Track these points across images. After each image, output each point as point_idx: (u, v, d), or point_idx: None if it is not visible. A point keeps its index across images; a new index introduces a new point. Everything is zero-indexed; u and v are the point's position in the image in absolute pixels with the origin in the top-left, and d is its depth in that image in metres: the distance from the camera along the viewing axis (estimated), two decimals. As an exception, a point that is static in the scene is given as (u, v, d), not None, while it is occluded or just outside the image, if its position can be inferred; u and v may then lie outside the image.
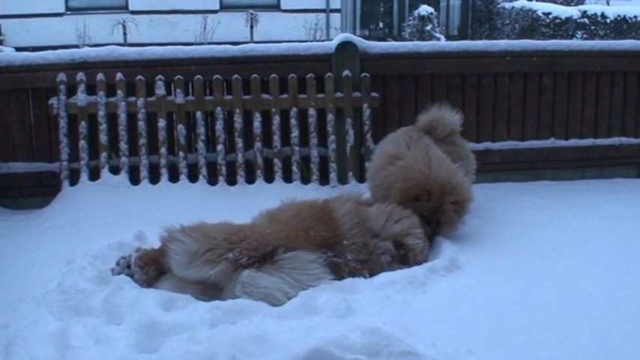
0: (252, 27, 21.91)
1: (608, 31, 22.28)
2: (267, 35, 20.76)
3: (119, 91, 6.69)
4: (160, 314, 3.57)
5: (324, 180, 6.90)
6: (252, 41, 19.85)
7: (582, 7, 23.44)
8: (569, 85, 7.55)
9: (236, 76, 6.82)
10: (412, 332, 3.38)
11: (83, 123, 6.64)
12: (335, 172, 6.89)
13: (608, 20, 22.48)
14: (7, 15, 20.32)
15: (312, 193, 6.20)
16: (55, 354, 3.27)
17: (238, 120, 6.80)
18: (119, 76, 6.69)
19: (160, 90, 6.74)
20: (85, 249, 4.69)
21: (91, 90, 6.69)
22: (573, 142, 7.61)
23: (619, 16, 22.68)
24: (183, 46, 7.19)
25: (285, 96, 6.89)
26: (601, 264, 4.44)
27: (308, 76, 6.92)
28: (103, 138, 6.64)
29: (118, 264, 4.27)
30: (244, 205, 5.64)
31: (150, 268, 4.15)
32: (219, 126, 6.79)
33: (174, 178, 6.66)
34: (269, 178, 6.78)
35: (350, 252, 4.32)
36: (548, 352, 3.25)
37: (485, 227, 5.41)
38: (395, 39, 21.33)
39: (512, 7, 22.94)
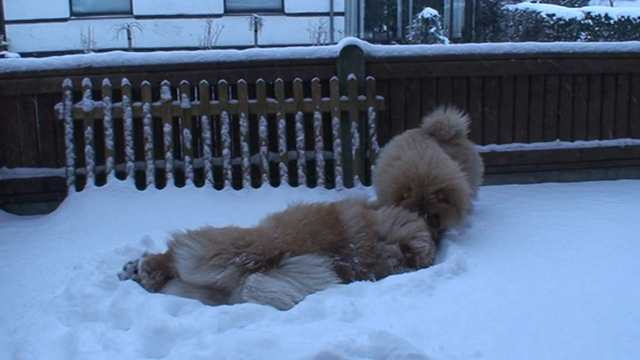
0: (256, 31, 21.94)
1: (612, 32, 22.23)
2: (271, 39, 20.79)
3: (125, 96, 6.71)
4: (168, 319, 3.58)
5: (329, 183, 6.91)
6: (256, 45, 19.90)
7: (586, 9, 23.40)
8: (573, 86, 7.55)
9: (241, 80, 6.83)
10: (419, 335, 3.38)
11: (89, 128, 6.66)
12: (341, 176, 6.90)
13: (612, 21, 22.44)
14: (12, 20, 20.37)
15: (318, 196, 6.21)
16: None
17: (244, 124, 6.81)
18: (125, 81, 6.71)
19: (166, 95, 6.75)
20: (92, 254, 4.71)
21: (96, 95, 6.71)
22: (579, 143, 7.60)
23: (623, 17, 22.63)
24: (187, 50, 7.21)
25: (290, 100, 6.90)
26: (607, 265, 4.43)
27: (313, 79, 6.93)
28: (109, 143, 6.66)
29: (125, 269, 4.28)
30: (250, 209, 5.66)
31: (157, 273, 4.16)
32: (224, 130, 6.80)
33: (180, 182, 6.68)
34: (275, 182, 6.79)
35: (357, 256, 4.32)
36: (555, 354, 3.24)
37: (491, 229, 5.40)
38: (399, 42, 21.34)
39: (516, 9, 22.93)
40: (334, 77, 6.97)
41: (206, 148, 6.77)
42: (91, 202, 6.33)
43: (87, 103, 6.66)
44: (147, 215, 5.98)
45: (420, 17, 20.56)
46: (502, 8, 23.86)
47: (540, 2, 24.04)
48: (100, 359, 3.23)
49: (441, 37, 20.04)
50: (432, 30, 20.02)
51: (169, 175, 6.67)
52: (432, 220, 4.97)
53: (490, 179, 6.53)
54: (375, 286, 4.13)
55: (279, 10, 22.93)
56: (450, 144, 5.69)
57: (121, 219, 5.92)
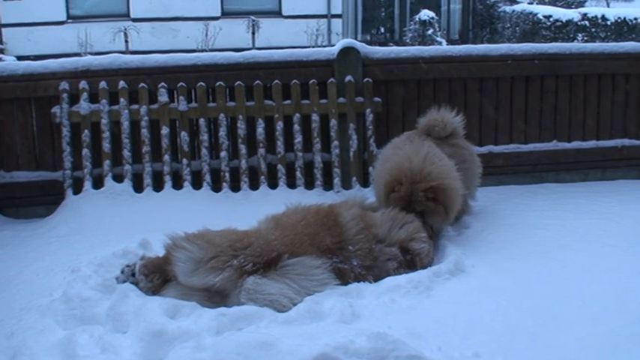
0: (253, 33, 21.94)
1: (608, 34, 22.30)
2: (268, 41, 20.80)
3: (122, 99, 6.70)
4: (166, 322, 3.57)
5: (327, 185, 6.91)
6: (253, 47, 19.89)
7: (583, 10, 23.47)
8: (570, 87, 7.56)
9: (239, 82, 6.84)
10: (418, 336, 3.38)
11: (86, 131, 6.65)
12: (339, 178, 6.90)
13: (608, 22, 22.50)
14: (9, 24, 20.38)
15: (316, 198, 6.20)
16: (62, 363, 3.27)
17: (241, 126, 6.81)
18: (122, 83, 6.71)
19: (163, 97, 6.75)
20: (89, 257, 4.70)
21: (93, 98, 6.70)
22: (576, 144, 7.61)
23: (619, 18, 22.70)
24: (185, 53, 7.21)
25: (288, 102, 6.91)
26: (605, 266, 4.44)
27: (311, 81, 6.93)
28: (106, 146, 6.65)
29: (122, 272, 4.27)
30: (248, 211, 5.64)
31: (155, 276, 4.15)
32: (222, 132, 6.80)
33: (177, 185, 6.68)
34: (273, 184, 6.79)
35: (355, 258, 4.32)
36: (553, 354, 3.25)
37: (489, 230, 5.41)
38: (396, 44, 21.36)
39: (513, 11, 22.98)
40: (332, 79, 6.98)
41: (204, 151, 6.77)
42: (88, 205, 6.32)
43: (84, 106, 6.66)
44: (144, 218, 5.98)
45: (417, 19, 20.59)
46: (499, 10, 23.90)
47: (537, 4, 24.10)
48: (98, 362, 3.23)
49: (439, 39, 20.07)
50: (430, 32, 20.06)
51: (167, 178, 6.67)
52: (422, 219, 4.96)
53: (488, 180, 6.53)
54: (373, 288, 4.13)
55: (277, 13, 22.94)
56: (447, 144, 5.70)
57: (118, 222, 5.91)
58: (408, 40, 20.41)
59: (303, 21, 22.22)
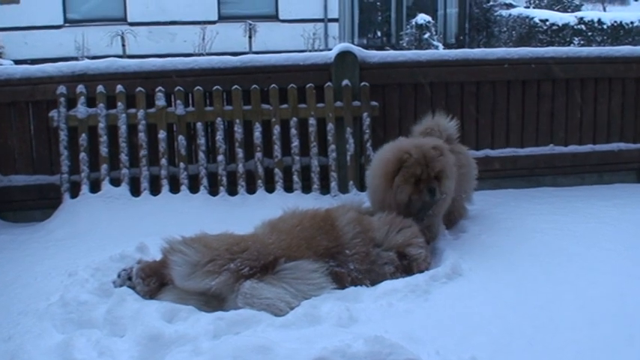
0: (250, 37, 21.95)
1: (605, 37, 22.34)
2: (265, 45, 20.80)
3: (119, 103, 6.70)
4: (163, 326, 3.57)
5: (324, 189, 6.91)
6: (250, 52, 19.91)
7: (579, 14, 23.51)
8: (567, 91, 7.57)
9: (236, 86, 6.84)
10: (415, 340, 3.39)
11: (83, 135, 6.65)
12: (336, 182, 6.90)
13: (605, 26, 22.55)
14: (6, 28, 20.35)
15: (313, 202, 6.20)
16: (59, 367, 3.27)
17: (239, 130, 6.82)
18: (119, 87, 6.71)
19: (160, 101, 6.76)
20: (86, 261, 4.70)
21: (91, 102, 6.70)
22: (572, 148, 7.62)
23: (616, 22, 22.76)
24: (182, 57, 7.21)
25: (285, 106, 6.91)
26: (602, 269, 4.45)
27: (308, 85, 6.94)
28: (104, 150, 6.65)
29: (119, 276, 4.27)
30: (246, 215, 5.65)
31: (151, 280, 4.15)
32: (219, 136, 6.81)
33: (175, 189, 6.67)
34: (270, 188, 6.79)
35: (352, 261, 4.32)
36: (550, 357, 3.26)
37: (486, 234, 5.42)
38: (393, 48, 21.39)
39: (510, 15, 23.02)
40: (329, 83, 6.98)
41: (201, 155, 6.77)
42: (85, 209, 6.32)
43: (81, 110, 6.66)
44: (142, 222, 5.98)
45: (413, 23, 20.61)
46: (495, 14, 23.93)
47: (533, 8, 24.15)
48: (95, 366, 3.23)
49: (435, 42, 20.10)
50: (426, 36, 20.08)
51: (164, 182, 6.67)
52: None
53: (485, 184, 6.54)
54: (370, 292, 4.14)
55: (274, 17, 22.95)
56: (443, 149, 5.70)
57: (115, 226, 5.91)
58: (404, 44, 20.43)
59: (300, 25, 22.24)
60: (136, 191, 6.62)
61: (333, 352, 3.10)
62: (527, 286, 4.16)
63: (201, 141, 6.79)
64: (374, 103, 7.05)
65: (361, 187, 6.86)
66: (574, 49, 7.88)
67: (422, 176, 4.95)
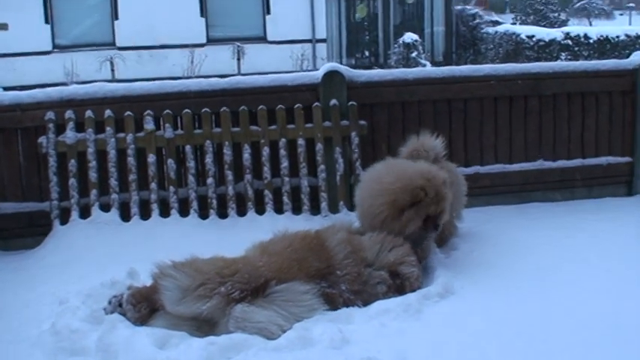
0: (239, 59, 22.04)
1: (591, 52, 22.56)
2: (254, 67, 20.86)
3: (108, 128, 6.68)
4: (155, 352, 3.55)
5: (315, 210, 6.90)
6: (239, 73, 19.94)
7: (565, 29, 23.76)
8: (554, 106, 7.59)
9: (224, 108, 6.84)
10: (408, 360, 3.38)
11: (72, 161, 6.62)
12: (326, 202, 6.89)
13: (591, 41, 22.78)
14: (-6, 54, 20.41)
15: (303, 223, 6.19)
16: (50, 396, 3.24)
17: (228, 152, 6.81)
18: (108, 112, 6.69)
19: (149, 125, 6.74)
20: (78, 288, 4.67)
21: (79, 127, 6.69)
22: (561, 163, 7.63)
23: (602, 36, 23.00)
24: (171, 80, 7.21)
25: (273, 127, 6.91)
26: (594, 287, 4.46)
27: (296, 106, 6.94)
28: (93, 175, 6.62)
29: (109, 303, 4.25)
30: (236, 237, 5.62)
31: (142, 306, 4.13)
32: (208, 159, 6.79)
33: (165, 213, 6.64)
34: (260, 210, 6.77)
35: (344, 282, 4.31)
36: (545, 375, 3.25)
37: (477, 251, 5.42)
38: (381, 67, 21.49)
39: (496, 32, 23.23)
40: (317, 103, 6.99)
41: (190, 178, 6.75)
42: (76, 235, 6.28)
43: (70, 135, 6.64)
44: (132, 247, 5.94)
45: (401, 42, 20.75)
46: (482, 31, 24.15)
47: (520, 24, 24.35)
48: (86, 395, 3.20)
49: (423, 61, 20.22)
50: (414, 54, 20.21)
51: (154, 206, 6.64)
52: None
53: (475, 201, 6.54)
54: (363, 312, 4.14)
55: (262, 39, 23.07)
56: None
57: (106, 252, 5.88)
58: (392, 63, 20.56)
59: (288, 46, 22.35)
60: (125, 216, 6.58)
61: (326, 374, 3.09)
62: (520, 304, 4.16)
63: (191, 164, 6.77)
64: (362, 122, 7.06)
65: (351, 207, 6.83)
66: (560, 64, 7.93)
67: (432, 213, 4.99)
